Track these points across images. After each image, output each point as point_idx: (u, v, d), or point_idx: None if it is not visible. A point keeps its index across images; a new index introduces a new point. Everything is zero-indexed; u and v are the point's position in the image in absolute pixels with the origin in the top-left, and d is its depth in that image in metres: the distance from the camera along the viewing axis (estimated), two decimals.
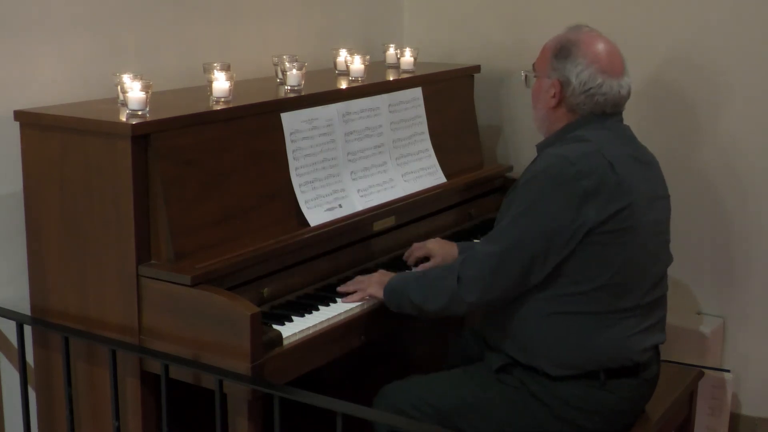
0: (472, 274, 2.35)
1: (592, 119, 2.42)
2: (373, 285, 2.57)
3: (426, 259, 2.83)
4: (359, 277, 2.64)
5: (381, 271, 2.65)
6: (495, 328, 2.48)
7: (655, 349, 2.50)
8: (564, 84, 2.42)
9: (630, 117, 2.56)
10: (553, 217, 2.28)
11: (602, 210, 2.28)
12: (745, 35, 3.24)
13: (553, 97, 2.45)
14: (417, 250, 2.85)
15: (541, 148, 2.50)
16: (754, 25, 3.22)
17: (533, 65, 2.55)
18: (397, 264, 2.85)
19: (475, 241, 2.98)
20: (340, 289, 2.61)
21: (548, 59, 2.46)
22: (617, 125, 2.46)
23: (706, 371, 3.12)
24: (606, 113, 2.42)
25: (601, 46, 2.42)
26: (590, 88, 2.39)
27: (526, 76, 2.59)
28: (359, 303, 2.56)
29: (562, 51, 2.44)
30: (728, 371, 3.29)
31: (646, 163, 2.47)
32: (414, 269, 2.79)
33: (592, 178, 2.28)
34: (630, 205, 2.31)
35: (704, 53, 3.31)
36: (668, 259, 2.53)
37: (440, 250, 2.82)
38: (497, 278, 2.33)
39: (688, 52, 3.34)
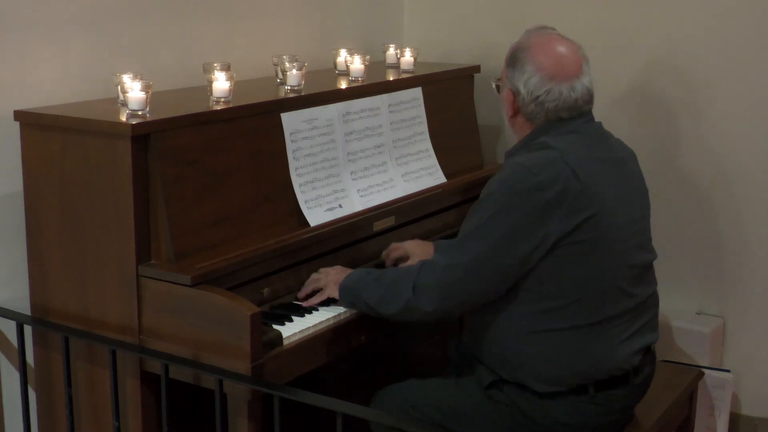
0: (428, 285, 2.29)
1: (552, 126, 2.36)
2: (330, 285, 2.51)
3: (405, 259, 2.78)
4: (315, 275, 2.57)
5: (338, 268, 2.57)
6: (480, 346, 2.44)
7: (647, 350, 2.45)
8: (515, 93, 2.38)
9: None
10: (513, 229, 2.22)
11: (567, 220, 2.22)
12: (728, 39, 3.25)
13: (510, 106, 2.41)
14: (394, 250, 2.80)
15: (507, 155, 2.46)
16: (736, 29, 3.24)
17: (501, 73, 2.49)
18: (395, 265, 2.84)
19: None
20: (300, 294, 2.54)
21: (505, 67, 2.43)
22: (584, 126, 2.38)
23: (706, 371, 3.13)
24: (563, 119, 2.35)
25: (550, 51, 2.35)
26: (538, 96, 2.33)
27: (497, 85, 2.53)
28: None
29: (511, 59, 2.40)
30: (728, 371, 3.29)
31: (616, 161, 2.39)
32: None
33: (553, 189, 2.22)
34: (597, 214, 2.25)
35: (688, 56, 3.32)
36: (651, 256, 2.46)
37: (417, 249, 2.76)
38: (454, 291, 2.29)
39: (672, 55, 3.35)
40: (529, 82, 2.34)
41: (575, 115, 2.36)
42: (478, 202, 2.35)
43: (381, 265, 2.82)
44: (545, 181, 2.23)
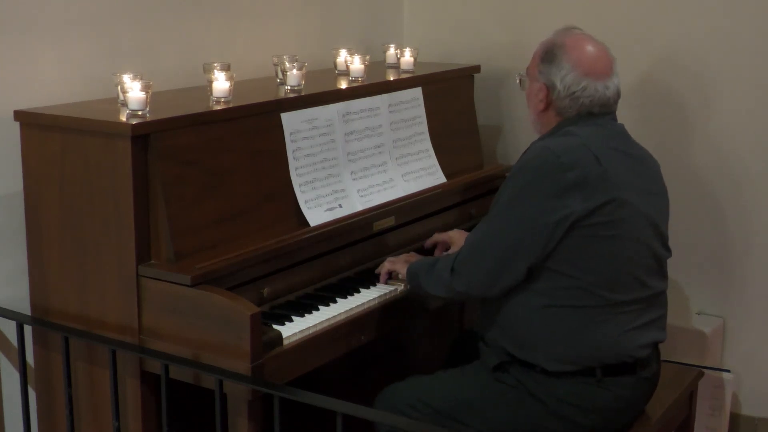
0: (463, 265, 2.42)
1: (580, 118, 2.44)
2: (400, 262, 2.72)
3: (447, 247, 2.91)
4: (391, 258, 2.77)
5: (411, 253, 2.81)
6: (491, 324, 2.49)
7: (655, 347, 2.49)
8: (550, 88, 2.45)
9: (623, 117, 2.56)
10: (537, 208, 2.30)
11: (588, 201, 2.29)
12: (735, 37, 3.25)
13: (542, 100, 2.47)
14: (438, 237, 2.95)
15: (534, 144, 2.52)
16: (744, 27, 3.23)
17: (527, 68, 2.56)
18: (433, 249, 2.91)
19: None
20: (377, 271, 2.76)
21: (537, 63, 2.50)
22: (608, 123, 2.46)
23: (706, 371, 3.12)
24: (593, 113, 2.44)
25: (586, 49, 2.44)
26: (574, 92, 2.41)
27: (520, 79, 2.61)
28: (365, 302, 2.60)
29: (547, 55, 2.46)
30: (728, 371, 3.30)
31: (637, 157, 2.47)
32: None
33: (576, 170, 2.30)
34: (617, 199, 2.32)
35: (695, 54, 3.32)
36: (665, 254, 2.52)
37: (460, 238, 2.86)
38: (483, 268, 2.38)
39: (679, 54, 3.35)
40: (566, 78, 2.42)
41: (604, 112, 2.45)
42: (504, 183, 2.44)
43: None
44: (569, 162, 2.30)
